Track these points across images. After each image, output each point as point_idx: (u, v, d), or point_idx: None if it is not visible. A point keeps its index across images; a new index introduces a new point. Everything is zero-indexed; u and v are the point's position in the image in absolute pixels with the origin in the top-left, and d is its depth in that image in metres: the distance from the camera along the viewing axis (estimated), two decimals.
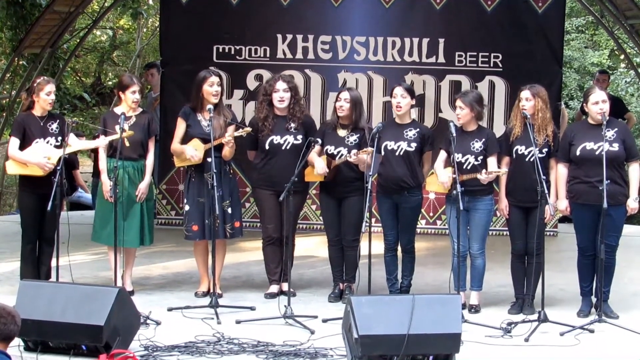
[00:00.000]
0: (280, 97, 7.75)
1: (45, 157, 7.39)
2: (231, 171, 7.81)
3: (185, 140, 7.70)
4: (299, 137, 7.73)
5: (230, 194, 7.70)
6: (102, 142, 7.56)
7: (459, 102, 7.43)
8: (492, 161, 7.38)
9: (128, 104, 7.65)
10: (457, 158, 7.19)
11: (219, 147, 7.55)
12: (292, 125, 7.77)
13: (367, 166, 7.24)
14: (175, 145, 7.74)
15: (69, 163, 7.64)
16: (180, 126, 7.75)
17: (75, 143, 7.73)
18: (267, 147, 7.76)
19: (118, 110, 7.71)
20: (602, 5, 12.60)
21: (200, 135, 7.62)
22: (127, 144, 7.42)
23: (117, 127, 7.35)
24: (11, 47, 13.17)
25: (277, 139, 7.74)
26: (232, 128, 7.63)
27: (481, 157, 7.36)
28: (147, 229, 7.74)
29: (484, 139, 7.41)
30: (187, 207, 7.75)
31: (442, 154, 7.50)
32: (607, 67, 19.16)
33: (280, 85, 7.78)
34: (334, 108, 7.73)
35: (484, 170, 7.26)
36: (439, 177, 7.40)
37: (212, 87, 7.63)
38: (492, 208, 7.53)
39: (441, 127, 9.72)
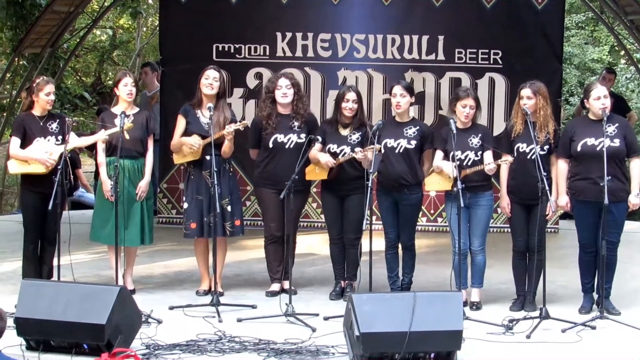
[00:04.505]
0: (284, 92, 7.74)
1: (47, 152, 7.39)
2: (231, 169, 7.79)
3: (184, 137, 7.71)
4: (302, 135, 7.71)
5: (230, 192, 7.69)
6: (101, 136, 7.53)
7: (468, 101, 7.34)
8: (488, 155, 7.37)
9: (123, 97, 7.64)
10: (457, 155, 7.17)
11: (218, 145, 7.55)
12: (296, 123, 7.76)
13: (369, 163, 7.23)
14: (174, 140, 7.75)
15: (71, 162, 7.62)
16: (180, 123, 7.75)
17: (74, 140, 7.72)
18: (270, 145, 7.75)
19: (116, 110, 7.68)
20: (602, 1, 12.59)
21: (199, 132, 7.62)
22: (127, 136, 7.38)
23: (116, 121, 7.34)
24: (11, 47, 13.15)
25: (280, 137, 7.73)
26: (232, 125, 7.62)
27: (480, 152, 7.36)
28: (147, 228, 7.74)
29: (480, 134, 7.41)
30: (185, 205, 7.76)
31: (439, 154, 7.48)
32: (607, 63, 19.11)
33: (283, 81, 7.78)
34: (339, 108, 7.67)
35: (488, 160, 7.26)
36: (446, 168, 7.35)
37: (207, 80, 7.64)
38: (492, 204, 7.52)
39: (441, 124, 9.69)
